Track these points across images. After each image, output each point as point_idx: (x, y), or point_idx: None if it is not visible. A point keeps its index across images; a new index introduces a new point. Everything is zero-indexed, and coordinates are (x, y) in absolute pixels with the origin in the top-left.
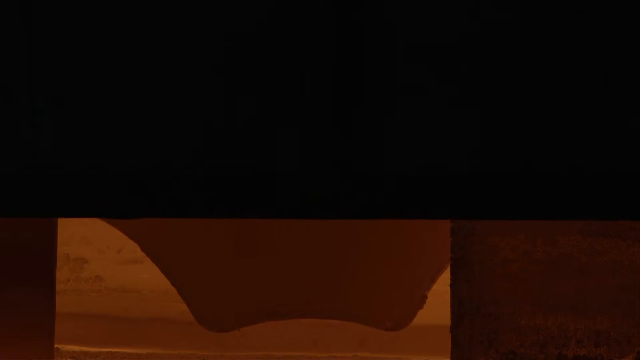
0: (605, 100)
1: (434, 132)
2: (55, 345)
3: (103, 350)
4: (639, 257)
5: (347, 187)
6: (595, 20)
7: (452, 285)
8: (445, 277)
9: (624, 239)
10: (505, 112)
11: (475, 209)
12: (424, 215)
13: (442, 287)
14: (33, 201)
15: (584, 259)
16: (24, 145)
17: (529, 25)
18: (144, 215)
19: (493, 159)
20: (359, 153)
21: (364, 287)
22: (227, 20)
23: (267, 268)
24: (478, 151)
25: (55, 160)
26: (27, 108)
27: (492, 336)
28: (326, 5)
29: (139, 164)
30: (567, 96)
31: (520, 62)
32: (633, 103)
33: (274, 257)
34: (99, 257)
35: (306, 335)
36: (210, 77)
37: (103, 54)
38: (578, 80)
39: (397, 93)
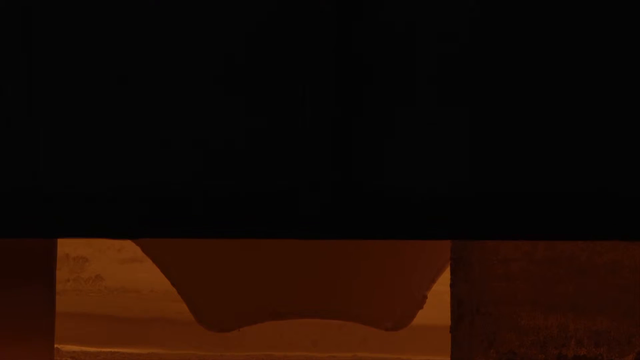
0: (604, 125)
1: (436, 152)
2: (55, 345)
3: (103, 350)
4: (639, 257)
5: (346, 207)
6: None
7: (452, 286)
8: (445, 277)
9: None
10: (506, 132)
11: (476, 230)
12: (424, 235)
13: (442, 287)
14: (32, 222)
15: (584, 259)
16: (23, 166)
17: (530, 48)
18: (143, 236)
19: (493, 179)
20: (359, 172)
21: (364, 287)
22: (225, 39)
23: (267, 268)
24: (479, 172)
25: (55, 181)
26: (26, 128)
27: (492, 336)
28: (326, 20)
29: (138, 184)
30: (566, 121)
31: (524, 83)
32: (632, 126)
33: (274, 257)
34: (99, 256)
35: (306, 335)
36: (209, 97)
37: (102, 74)
38: (575, 105)
39: (398, 112)
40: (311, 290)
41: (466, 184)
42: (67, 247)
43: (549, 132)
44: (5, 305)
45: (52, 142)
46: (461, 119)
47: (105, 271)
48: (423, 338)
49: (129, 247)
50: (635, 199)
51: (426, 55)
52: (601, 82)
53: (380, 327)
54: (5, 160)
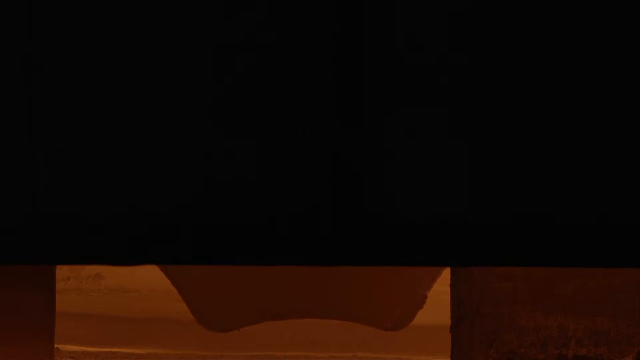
0: (606, 159)
1: (436, 178)
2: (55, 345)
3: (103, 350)
4: None
5: (344, 236)
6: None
7: (452, 285)
8: (445, 277)
9: None
10: (507, 158)
11: (479, 256)
12: (426, 262)
13: (442, 287)
14: (32, 249)
15: None
16: (23, 193)
17: (533, 75)
18: (143, 263)
19: (494, 206)
20: (361, 199)
21: (364, 287)
22: (221, 67)
23: (267, 268)
24: (480, 198)
25: (55, 209)
26: (27, 155)
27: (492, 336)
28: (325, 45)
29: (137, 213)
30: (572, 149)
31: (525, 111)
32: (632, 153)
33: None
34: None
35: (306, 335)
36: (208, 122)
37: (103, 102)
38: (576, 134)
39: (398, 137)
40: (311, 290)
41: (468, 210)
42: None
43: (549, 158)
44: (6, 305)
45: (50, 167)
46: (462, 147)
47: (105, 270)
48: (423, 338)
49: None
50: (635, 226)
51: (427, 83)
52: (602, 113)
53: (380, 327)
54: (5, 187)
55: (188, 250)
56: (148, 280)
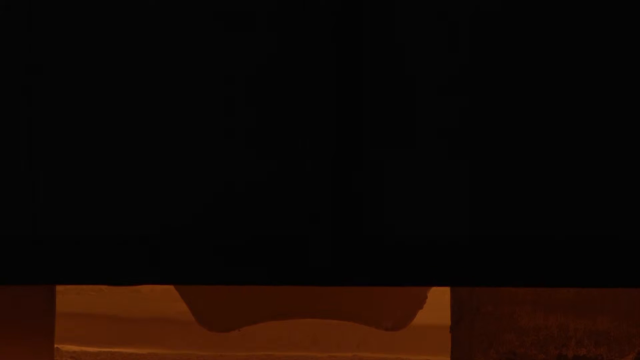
0: (606, 172)
1: (436, 200)
2: (55, 345)
3: (103, 350)
4: None
5: (346, 255)
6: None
7: None
8: None
9: None
10: (506, 181)
11: (480, 277)
12: (425, 282)
13: (442, 287)
14: (31, 269)
15: None
16: (23, 214)
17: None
18: (140, 283)
19: (494, 227)
20: (361, 221)
21: (364, 287)
22: (226, 84)
23: None
24: (480, 219)
25: (54, 227)
26: (26, 176)
27: (492, 336)
28: (326, 75)
29: (136, 234)
30: (568, 166)
31: (526, 133)
32: (633, 172)
33: None
34: None
35: (306, 335)
36: (209, 148)
37: (102, 126)
38: (577, 150)
39: (399, 161)
40: (311, 290)
41: (467, 232)
42: None
43: (549, 181)
44: (6, 305)
45: (51, 188)
46: (462, 169)
47: None
48: (423, 338)
49: None
50: (637, 244)
51: (427, 107)
52: (603, 130)
53: (380, 327)
54: (5, 207)
55: (185, 271)
56: None
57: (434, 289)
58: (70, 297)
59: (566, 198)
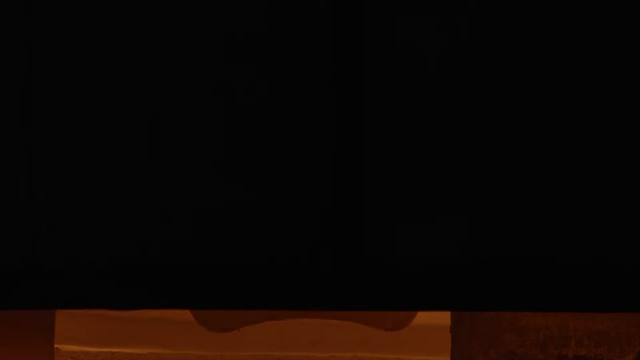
0: (607, 199)
1: (437, 223)
2: (55, 345)
3: (103, 350)
4: None
5: (346, 278)
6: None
7: None
8: None
9: None
10: (508, 205)
11: (481, 301)
12: (429, 307)
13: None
14: (31, 294)
15: None
16: (23, 238)
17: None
18: (140, 308)
19: (496, 250)
20: (361, 243)
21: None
22: (225, 111)
23: None
24: (481, 242)
25: (54, 253)
26: (26, 198)
27: (492, 336)
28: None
29: (137, 255)
30: (573, 192)
31: (526, 153)
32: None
33: None
34: None
35: (306, 335)
36: (208, 170)
37: (101, 151)
38: (579, 173)
39: (399, 184)
40: None
41: (468, 255)
42: None
43: (549, 204)
44: None
45: (50, 213)
46: (463, 193)
47: None
48: (423, 338)
49: None
50: (637, 270)
51: (427, 131)
52: (607, 153)
53: (380, 327)
54: (4, 231)
55: (186, 294)
56: None
57: None
58: None
59: (568, 224)
